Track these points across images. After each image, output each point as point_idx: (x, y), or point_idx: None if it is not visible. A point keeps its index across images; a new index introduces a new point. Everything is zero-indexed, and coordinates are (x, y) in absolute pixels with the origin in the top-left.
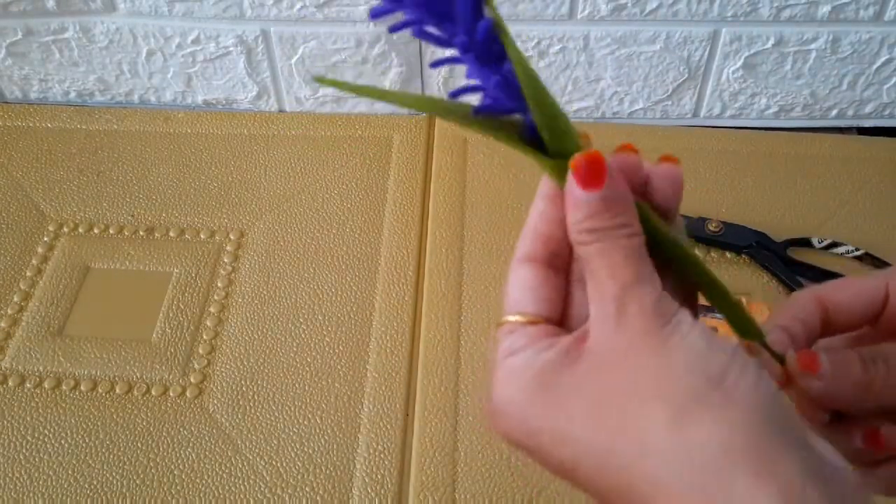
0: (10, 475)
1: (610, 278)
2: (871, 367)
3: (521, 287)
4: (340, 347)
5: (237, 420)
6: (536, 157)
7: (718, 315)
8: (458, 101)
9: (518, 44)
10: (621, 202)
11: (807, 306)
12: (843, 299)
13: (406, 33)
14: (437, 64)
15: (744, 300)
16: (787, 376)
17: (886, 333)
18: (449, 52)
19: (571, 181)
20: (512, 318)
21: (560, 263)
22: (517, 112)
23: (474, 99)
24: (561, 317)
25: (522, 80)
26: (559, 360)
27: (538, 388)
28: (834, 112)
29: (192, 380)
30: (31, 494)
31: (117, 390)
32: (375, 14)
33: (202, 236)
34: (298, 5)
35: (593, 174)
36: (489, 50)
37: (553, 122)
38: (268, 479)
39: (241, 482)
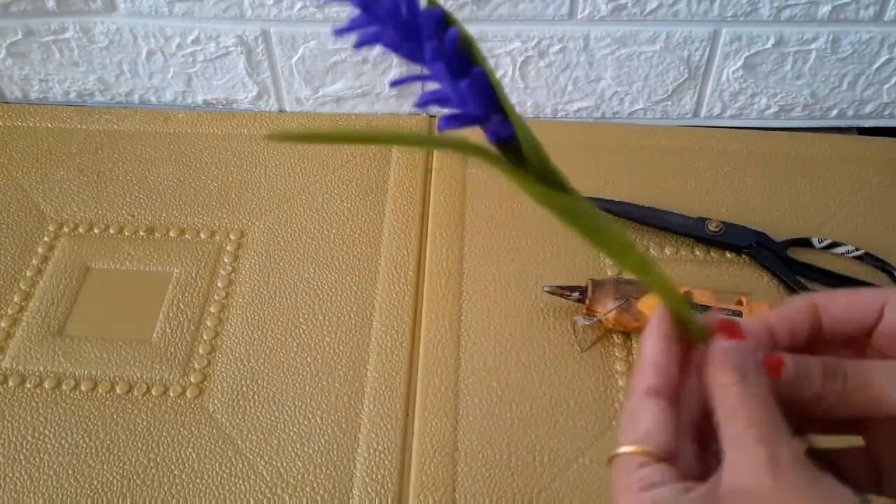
0: (10, 475)
1: (755, 425)
2: (829, 382)
3: (655, 422)
4: (340, 347)
5: (237, 420)
6: (518, 179)
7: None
8: (451, 133)
9: (518, 43)
10: (755, 358)
11: (800, 311)
12: (838, 309)
13: None
14: (396, 83)
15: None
16: None
17: (877, 350)
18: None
19: (717, 337)
20: (642, 449)
21: (674, 399)
22: (482, 122)
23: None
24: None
25: (495, 84)
26: (701, 500)
27: None
28: (834, 112)
29: (192, 380)
30: (31, 494)
31: (117, 390)
32: (339, 32)
33: (202, 236)
34: (298, 5)
35: (735, 330)
36: (458, 59)
37: (524, 130)
38: (268, 478)
39: (241, 482)
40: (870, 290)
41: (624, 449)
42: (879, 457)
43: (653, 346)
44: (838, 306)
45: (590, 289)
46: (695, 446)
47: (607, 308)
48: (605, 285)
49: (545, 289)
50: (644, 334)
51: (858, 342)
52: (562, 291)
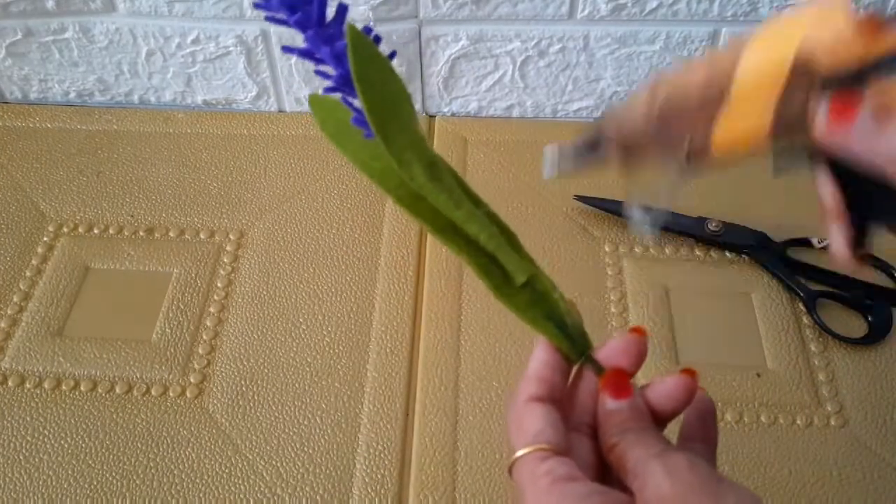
0: (9, 475)
1: (653, 455)
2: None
3: (542, 421)
4: (340, 347)
5: (237, 420)
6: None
7: None
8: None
9: (518, 43)
10: (638, 416)
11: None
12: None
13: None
14: (287, 50)
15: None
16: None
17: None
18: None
19: (604, 395)
20: (537, 447)
21: (558, 406)
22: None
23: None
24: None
25: (351, 57)
26: (618, 502)
27: None
28: None
29: (191, 380)
30: (30, 495)
31: (117, 390)
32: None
33: (202, 236)
34: None
35: (621, 388)
36: (326, 28)
37: (385, 109)
38: (267, 478)
39: (240, 482)
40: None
41: (520, 452)
42: None
43: (536, 361)
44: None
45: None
46: (590, 441)
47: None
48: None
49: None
50: (533, 353)
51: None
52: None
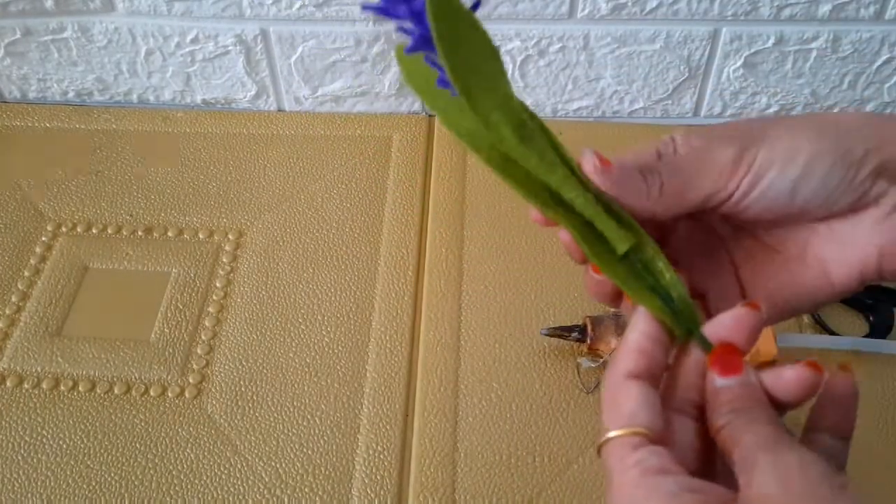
0: (8, 476)
1: (762, 448)
2: (648, 178)
3: (637, 402)
4: (340, 347)
5: (236, 420)
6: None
7: None
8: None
9: (518, 42)
10: (751, 393)
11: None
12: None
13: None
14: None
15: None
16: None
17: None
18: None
19: (712, 373)
20: (630, 431)
21: (657, 385)
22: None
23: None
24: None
25: (430, 15)
26: (714, 501)
27: None
28: (835, 111)
29: (190, 380)
30: (29, 495)
31: (116, 391)
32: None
33: (201, 236)
34: (297, 4)
35: (731, 365)
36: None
37: (469, 69)
38: (267, 479)
39: (239, 483)
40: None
41: (612, 434)
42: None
43: (637, 332)
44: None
45: (589, 327)
46: (695, 424)
47: (611, 346)
48: (605, 322)
49: (543, 332)
50: (631, 321)
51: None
52: (560, 332)
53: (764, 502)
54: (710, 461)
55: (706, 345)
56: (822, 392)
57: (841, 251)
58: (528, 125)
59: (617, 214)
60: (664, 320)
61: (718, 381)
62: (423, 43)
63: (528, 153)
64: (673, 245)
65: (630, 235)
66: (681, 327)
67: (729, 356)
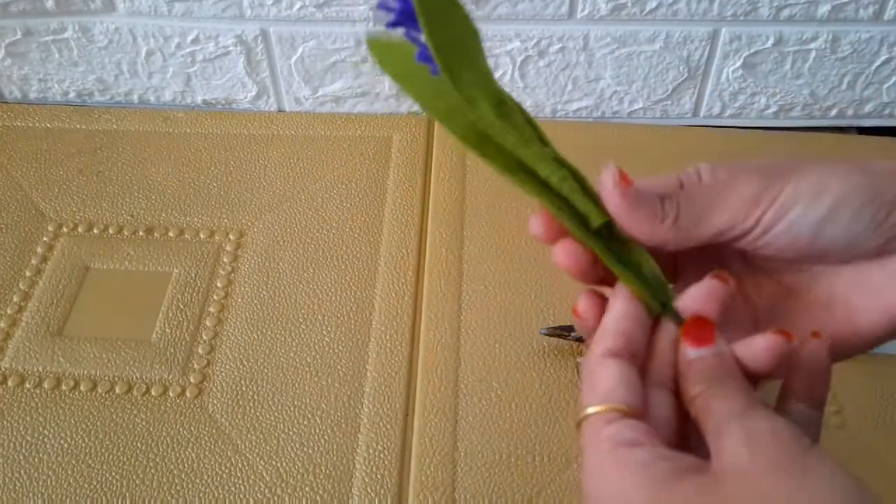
0: (9, 475)
1: (735, 414)
2: (666, 203)
3: (614, 379)
4: (340, 347)
5: (237, 420)
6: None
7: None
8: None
9: (517, 43)
10: (724, 364)
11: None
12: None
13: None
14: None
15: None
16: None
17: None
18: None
19: (684, 345)
20: (607, 407)
21: (637, 362)
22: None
23: None
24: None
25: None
26: (685, 468)
27: (662, 487)
28: (834, 112)
29: (191, 380)
30: (30, 494)
31: (117, 390)
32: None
33: (202, 236)
34: (298, 5)
35: (703, 336)
36: None
37: (451, 43)
38: (267, 479)
39: (240, 482)
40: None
41: (589, 410)
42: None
43: (615, 312)
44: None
45: None
46: (673, 398)
47: None
48: None
49: (542, 332)
50: (609, 303)
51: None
52: (560, 332)
53: (735, 468)
54: (686, 437)
55: (678, 318)
56: (795, 358)
57: (867, 297)
58: (507, 103)
59: (590, 193)
60: (641, 294)
61: (691, 352)
62: (404, 18)
63: (506, 129)
64: (684, 282)
65: (603, 213)
66: (655, 301)
67: (701, 328)
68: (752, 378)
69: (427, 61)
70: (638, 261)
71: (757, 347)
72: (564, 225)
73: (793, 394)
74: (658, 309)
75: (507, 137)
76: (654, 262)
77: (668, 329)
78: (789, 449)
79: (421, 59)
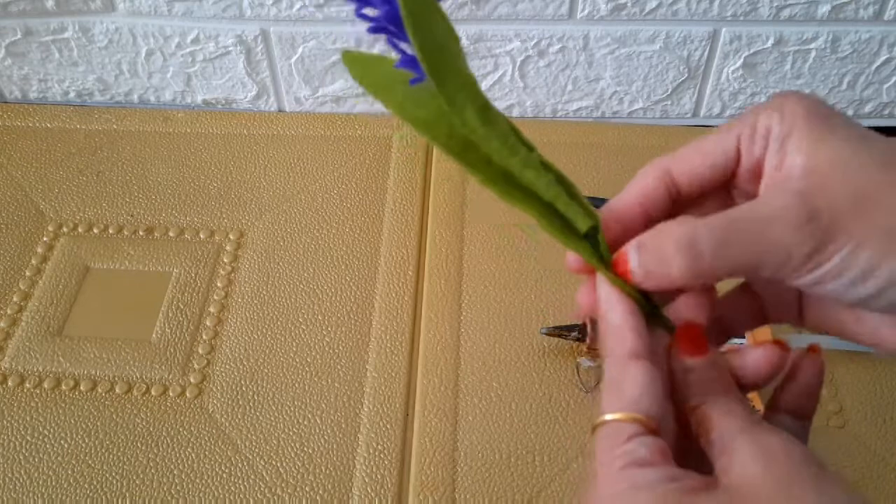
0: (9, 475)
1: (741, 430)
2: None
3: (642, 387)
4: (340, 347)
5: (237, 420)
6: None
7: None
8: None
9: (517, 43)
10: (719, 372)
11: (654, 182)
12: (692, 166)
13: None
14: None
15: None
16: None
17: (741, 191)
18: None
19: (679, 353)
20: (628, 416)
21: (658, 361)
22: (404, 39)
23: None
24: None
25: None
26: (696, 488)
27: None
28: None
29: (191, 380)
30: (30, 494)
31: (117, 390)
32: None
33: (202, 236)
34: (298, 5)
35: (697, 345)
36: None
37: (436, 48)
38: (267, 479)
39: (240, 482)
40: (715, 135)
41: (610, 416)
42: (763, 298)
43: (622, 311)
44: (692, 164)
45: (589, 328)
46: (670, 404)
47: None
48: None
49: (542, 331)
50: (603, 306)
51: (721, 191)
52: (560, 332)
53: (748, 483)
54: (685, 439)
55: (669, 326)
56: (787, 373)
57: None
58: (491, 109)
59: (577, 198)
60: (634, 298)
61: (686, 361)
62: (389, 21)
63: (490, 135)
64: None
65: (589, 216)
66: (646, 306)
67: (694, 335)
68: (744, 388)
69: (409, 66)
70: None
71: (755, 357)
72: (550, 232)
73: (783, 405)
74: (647, 311)
75: (491, 143)
76: None
77: (658, 337)
78: (802, 465)
79: (403, 65)
